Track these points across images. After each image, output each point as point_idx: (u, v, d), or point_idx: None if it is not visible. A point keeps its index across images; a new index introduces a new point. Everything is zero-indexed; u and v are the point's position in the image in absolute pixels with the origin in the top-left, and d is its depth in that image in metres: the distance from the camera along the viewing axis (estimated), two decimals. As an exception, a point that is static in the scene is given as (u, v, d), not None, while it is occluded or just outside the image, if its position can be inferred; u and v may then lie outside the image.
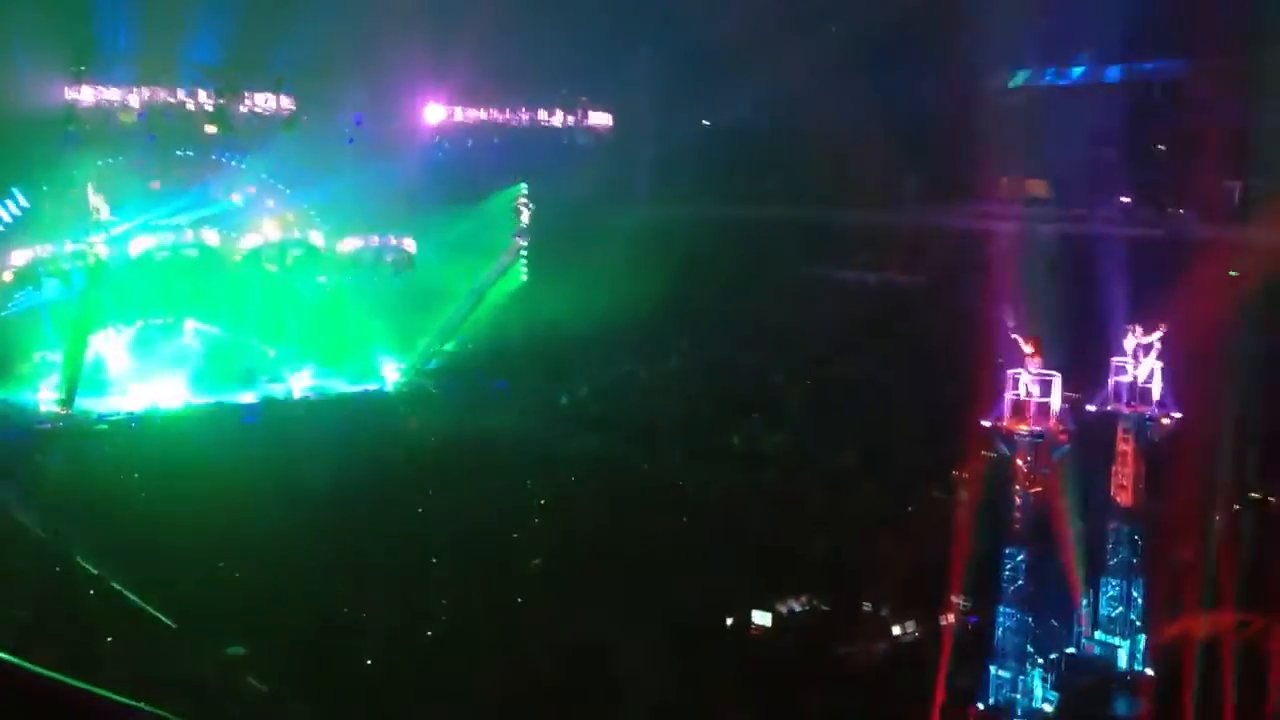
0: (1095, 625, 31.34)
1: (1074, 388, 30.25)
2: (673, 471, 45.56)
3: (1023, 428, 28.87)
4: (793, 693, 30.49)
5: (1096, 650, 31.08)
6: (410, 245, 59.88)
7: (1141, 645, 30.66)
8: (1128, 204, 52.03)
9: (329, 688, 30.12)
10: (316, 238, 58.15)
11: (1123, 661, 30.54)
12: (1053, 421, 28.83)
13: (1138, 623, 30.55)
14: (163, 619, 33.00)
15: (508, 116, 60.53)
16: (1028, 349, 28.96)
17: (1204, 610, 28.84)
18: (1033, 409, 28.85)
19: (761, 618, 34.16)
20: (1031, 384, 28.89)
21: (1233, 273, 41.87)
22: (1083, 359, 31.71)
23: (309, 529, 39.22)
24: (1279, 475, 32.35)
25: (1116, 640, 30.76)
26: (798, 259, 56.28)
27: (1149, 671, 30.15)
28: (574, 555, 38.26)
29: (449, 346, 60.82)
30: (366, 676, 31.50)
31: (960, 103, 52.39)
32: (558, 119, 61.72)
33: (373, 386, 58.08)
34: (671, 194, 60.10)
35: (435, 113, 58.23)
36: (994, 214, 55.12)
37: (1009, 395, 29.30)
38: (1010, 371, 29.21)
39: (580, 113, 61.90)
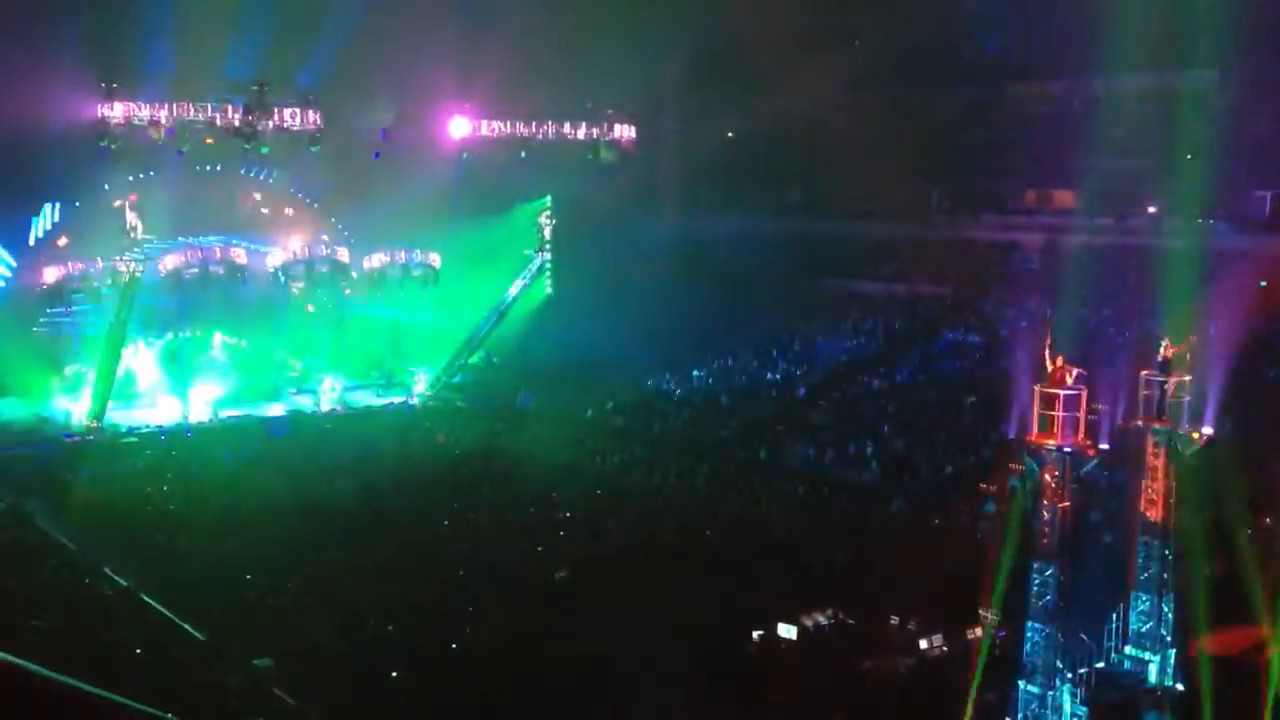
0: (1125, 640, 30.97)
1: (1103, 400, 29.98)
2: (698, 485, 45.47)
3: (1050, 443, 28.55)
4: (817, 707, 30.29)
5: (1127, 665, 30.71)
6: (435, 260, 60.28)
7: (1172, 660, 30.26)
8: (1155, 214, 51.71)
9: (352, 701, 30.14)
10: (343, 254, 58.62)
11: (1153, 676, 30.14)
12: (1081, 436, 28.50)
13: (1168, 637, 30.16)
14: (190, 630, 33.19)
15: (533, 130, 60.84)
16: (1055, 364, 28.72)
17: (1235, 626, 28.50)
18: (1061, 423, 28.52)
19: (787, 631, 33.95)
20: (1060, 399, 28.61)
21: (1262, 283, 41.58)
22: (1112, 371, 31.46)
23: (333, 541, 39.46)
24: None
25: (1147, 655, 30.37)
26: (823, 271, 56.22)
27: (1179, 686, 29.74)
28: (598, 568, 38.22)
29: (475, 360, 61.10)
30: (391, 690, 31.54)
31: (987, 114, 52.30)
32: (583, 132, 61.97)
33: (399, 400, 58.44)
34: (696, 206, 60.23)
35: (461, 126, 58.57)
36: (1021, 225, 54.95)
37: (1037, 410, 29.02)
38: (1038, 386, 28.95)
39: (605, 125, 62.12)
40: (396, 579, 36.96)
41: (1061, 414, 28.35)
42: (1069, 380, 28.48)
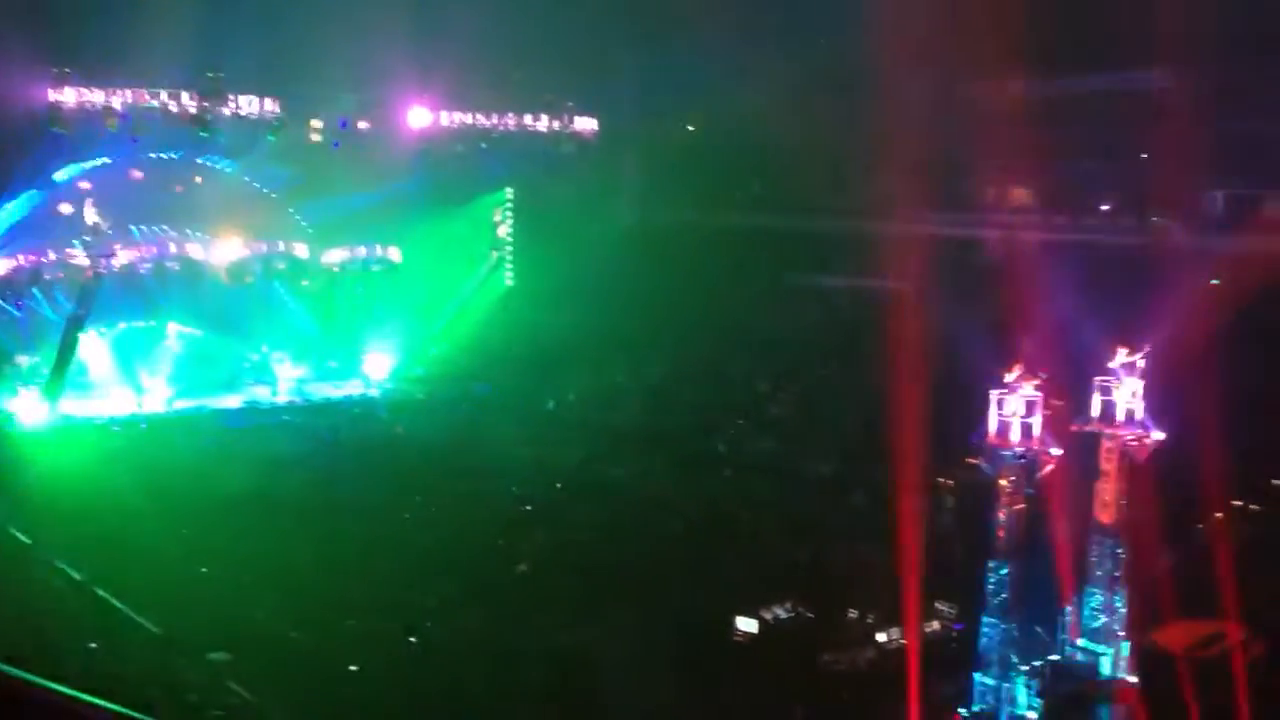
0: (1079, 633, 31.52)
1: (1059, 404, 30.49)
2: (658, 478, 45.57)
3: (1006, 450, 29.16)
4: (777, 700, 30.55)
5: (1080, 658, 31.25)
6: (395, 254, 59.93)
7: (1125, 653, 30.87)
8: (1110, 212, 52.31)
9: (312, 695, 29.99)
10: (301, 249, 58.14)
11: (1106, 669, 30.71)
12: (1036, 441, 29.08)
13: (1121, 632, 30.76)
14: (145, 623, 32.87)
15: (494, 122, 60.52)
16: (1013, 372, 29.20)
17: (1183, 621, 29.08)
18: (1017, 429, 29.08)
19: (747, 625, 34.20)
20: (1016, 404, 29.09)
21: (1214, 281, 42.24)
22: (1066, 370, 31.93)
23: (291, 534, 39.16)
24: (1262, 489, 32.62)
25: (1100, 648, 30.93)
26: (783, 266, 56.39)
27: (1132, 679, 30.33)
28: (559, 562, 38.28)
29: (435, 351, 60.81)
30: (351, 683, 31.40)
31: (945, 111, 52.66)
32: (544, 124, 61.74)
33: (359, 391, 58.06)
34: (657, 200, 60.22)
35: (420, 117, 58.19)
36: (981, 222, 55.43)
37: (994, 415, 29.50)
38: (995, 391, 29.43)
39: (566, 118, 61.94)
40: (355, 572, 36.79)
41: (1019, 419, 28.89)
42: (1027, 386, 28.98)
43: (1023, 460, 28.91)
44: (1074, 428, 30.39)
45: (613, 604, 35.19)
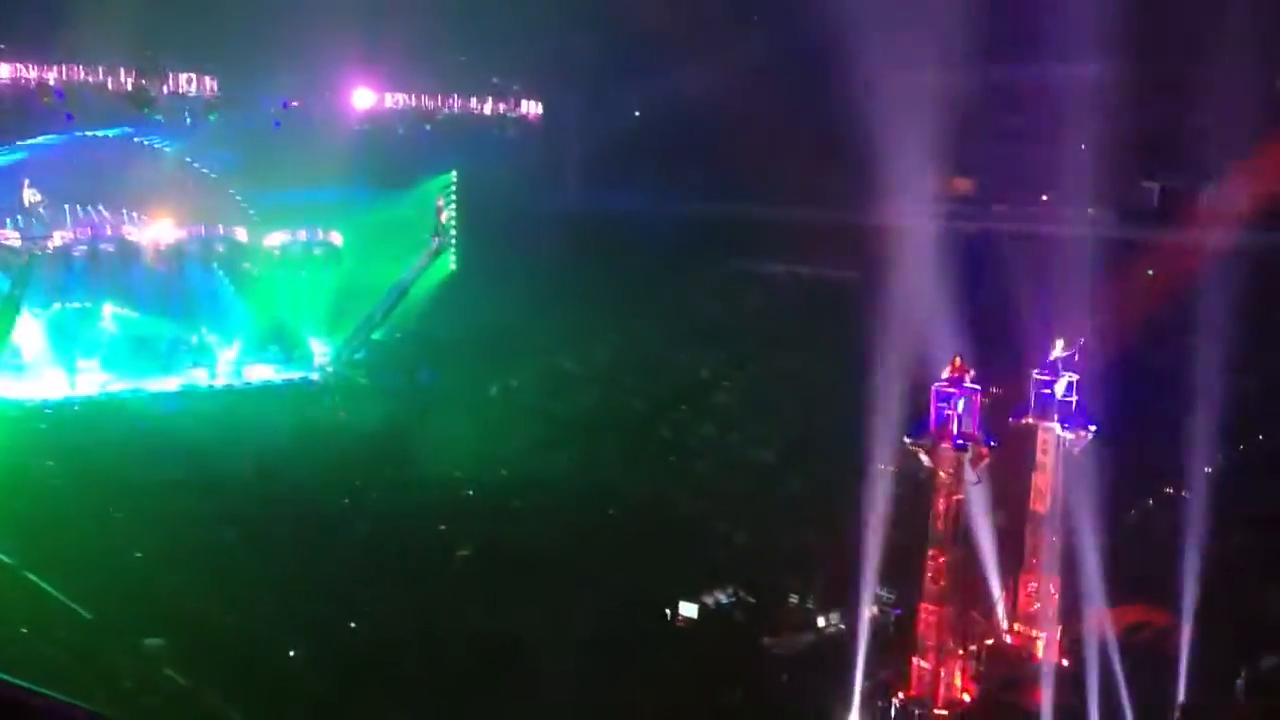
0: (1014, 619, 32.07)
1: (997, 385, 30.96)
2: (602, 464, 45.57)
3: (945, 443, 29.64)
4: (718, 683, 30.74)
5: (1015, 642, 31.81)
6: (337, 238, 59.30)
7: (1058, 637, 31.47)
8: (1048, 203, 52.96)
9: (247, 681, 29.68)
10: (241, 233, 57.32)
11: (1040, 652, 31.29)
12: (975, 435, 29.59)
13: (1055, 617, 31.39)
14: (78, 609, 32.35)
15: (438, 104, 60.07)
16: (953, 364, 29.62)
17: (1112, 607, 29.67)
18: (956, 422, 29.57)
19: (688, 609, 34.35)
20: (956, 399, 29.53)
21: (1150, 272, 43.02)
22: (1004, 360, 32.43)
23: (229, 519, 38.67)
24: (1194, 478, 33.30)
25: (1035, 632, 31.50)
26: (727, 252, 56.57)
27: (1065, 662, 30.91)
28: (501, 546, 38.17)
29: (377, 336, 60.26)
30: (286, 670, 31.14)
31: (885, 101, 53.05)
32: (489, 108, 61.39)
33: (299, 375, 57.39)
34: (603, 186, 60.06)
35: (364, 98, 57.59)
36: (921, 211, 55.95)
37: (934, 410, 29.95)
38: (935, 386, 29.89)
39: (512, 102, 61.65)
40: (294, 557, 36.45)
41: (958, 413, 29.34)
42: (966, 380, 29.40)
43: (962, 452, 29.38)
44: (1011, 420, 30.97)
45: (555, 589, 35.16)
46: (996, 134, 49.13)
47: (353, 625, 33.42)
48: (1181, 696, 28.00)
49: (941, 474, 29.57)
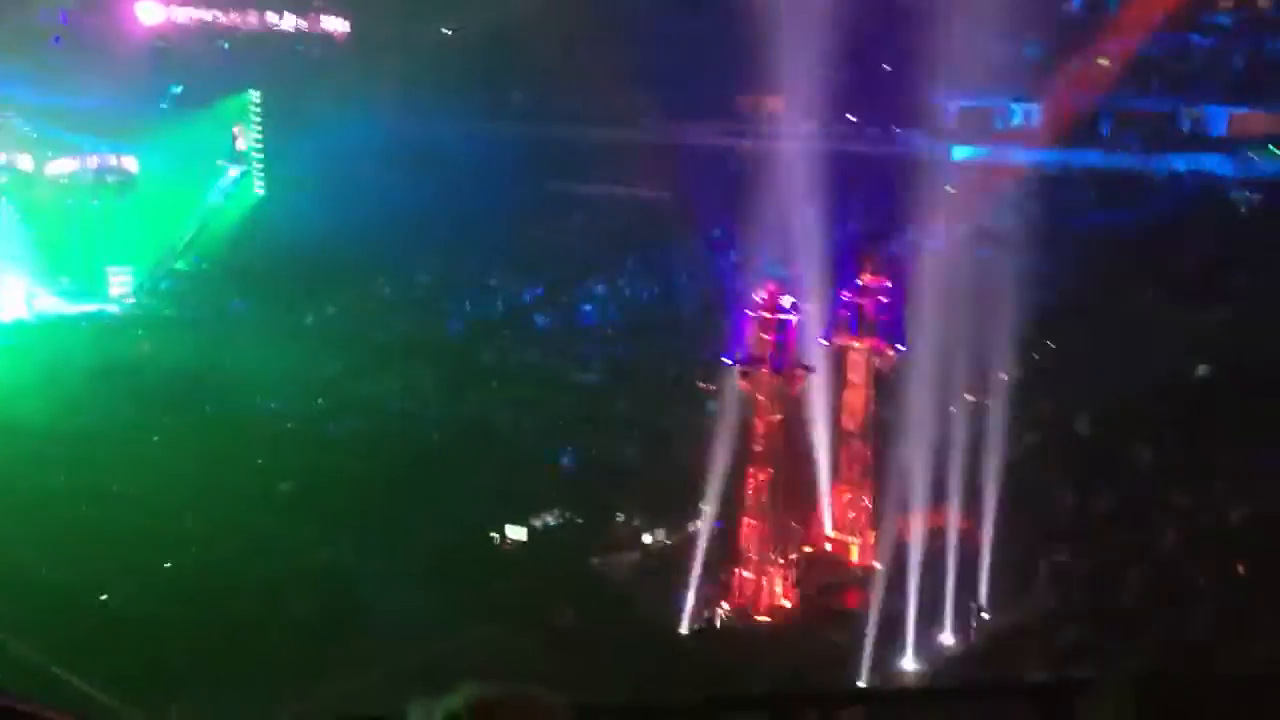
0: (831, 528, 33.53)
1: (808, 315, 32.05)
2: (424, 391, 45.10)
3: (764, 368, 30.52)
4: (548, 604, 31.14)
5: (830, 548, 33.31)
6: (131, 164, 56.28)
7: (871, 541, 33.07)
8: (855, 122, 54.29)
9: (59, 628, 28.54)
10: (24, 161, 53.73)
11: (855, 556, 32.86)
12: (790, 359, 30.57)
13: (866, 524, 32.98)
14: None
15: (233, 19, 57.39)
16: (768, 290, 30.38)
17: (918, 511, 31.26)
18: (773, 347, 30.45)
19: (516, 532, 34.62)
20: (773, 323, 30.36)
21: (949, 189, 44.70)
22: (815, 277, 33.45)
23: (33, 463, 36.88)
24: (993, 386, 35.09)
25: (849, 538, 33.03)
26: (546, 173, 56.17)
27: (877, 564, 32.51)
28: (322, 479, 37.50)
29: (182, 265, 57.75)
30: (102, 615, 30.08)
31: (700, 21, 53.25)
32: (289, 23, 59.01)
33: (98, 307, 54.59)
34: (416, 107, 58.63)
35: (151, 12, 54.46)
36: (735, 131, 56.68)
37: (749, 335, 30.73)
38: (751, 312, 30.64)
39: (314, 18, 59.39)
40: (105, 501, 35.05)
41: (774, 338, 30.20)
42: (783, 305, 30.22)
43: (780, 377, 30.34)
44: (821, 341, 32.11)
45: (379, 518, 34.91)
46: (807, 52, 49.79)
47: (167, 566, 32.39)
48: (984, 588, 29.81)
49: (760, 397, 30.48)
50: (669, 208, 50.06)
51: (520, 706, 2.50)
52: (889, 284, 32.26)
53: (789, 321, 30.30)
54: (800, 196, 37.72)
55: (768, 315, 30.24)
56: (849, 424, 32.88)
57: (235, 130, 59.29)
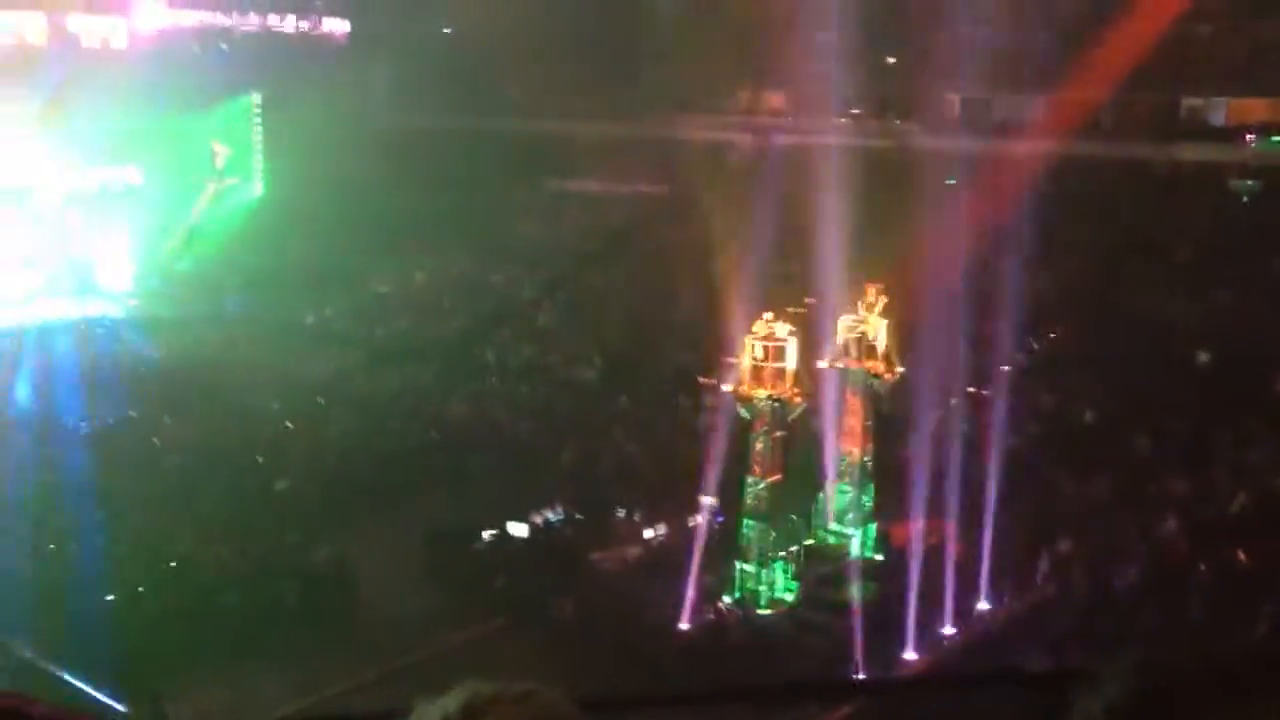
0: (831, 519, 33.39)
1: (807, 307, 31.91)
2: (423, 389, 45.01)
3: (760, 392, 30.32)
4: (549, 599, 31.03)
5: (832, 541, 33.15)
6: (135, 175, 56.37)
7: (872, 535, 32.94)
8: (858, 116, 54.09)
9: (58, 627, 28.45)
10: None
11: (855, 549, 32.70)
12: (788, 385, 30.36)
13: (868, 516, 32.83)
14: None
15: (234, 20, 57.41)
16: (764, 323, 30.20)
17: (908, 518, 31.24)
18: (770, 374, 30.28)
19: (517, 529, 34.49)
20: (769, 350, 30.18)
21: (950, 180, 44.46)
22: (815, 290, 33.38)
23: (29, 462, 36.78)
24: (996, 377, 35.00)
25: (850, 530, 32.88)
26: (543, 170, 56.11)
27: (879, 557, 32.40)
28: (322, 477, 37.43)
29: (182, 266, 57.77)
30: (102, 614, 29.98)
31: (701, 13, 53.12)
32: (290, 25, 59.02)
33: (99, 308, 54.56)
34: (414, 105, 58.64)
35: (151, 16, 54.46)
36: (734, 125, 56.58)
37: (744, 360, 30.54)
38: (748, 338, 30.46)
39: (315, 19, 59.42)
40: (104, 498, 34.95)
41: (771, 364, 30.00)
42: (779, 329, 30.00)
43: (777, 404, 30.20)
44: (819, 364, 31.90)
45: (379, 517, 34.85)
46: (809, 47, 49.61)
47: (172, 564, 32.33)
48: (985, 576, 29.64)
49: (758, 424, 30.39)
50: (670, 203, 49.96)
51: (522, 702, 2.39)
52: (888, 302, 31.97)
53: (783, 348, 30.09)
54: (800, 196, 37.52)
55: (765, 343, 30.10)
56: (849, 445, 32.72)
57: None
